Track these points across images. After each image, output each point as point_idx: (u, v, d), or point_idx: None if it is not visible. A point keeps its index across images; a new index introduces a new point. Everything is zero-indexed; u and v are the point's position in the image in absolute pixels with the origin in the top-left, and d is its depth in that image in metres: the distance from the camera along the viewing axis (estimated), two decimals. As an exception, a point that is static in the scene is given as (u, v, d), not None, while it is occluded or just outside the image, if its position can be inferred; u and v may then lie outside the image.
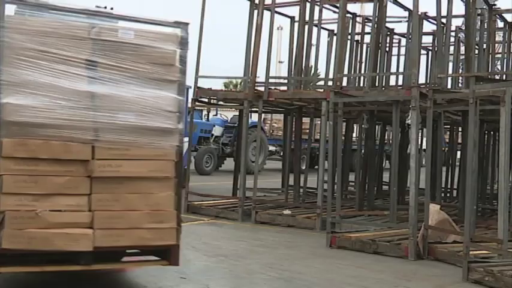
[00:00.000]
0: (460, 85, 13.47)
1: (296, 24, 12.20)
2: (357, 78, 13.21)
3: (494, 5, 12.29)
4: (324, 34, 13.31)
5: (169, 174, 5.37)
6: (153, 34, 5.40)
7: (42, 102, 4.95)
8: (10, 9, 5.13)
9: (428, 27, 12.94)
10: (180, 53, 5.45)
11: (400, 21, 13.29)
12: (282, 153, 17.38)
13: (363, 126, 11.61)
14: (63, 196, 5.00)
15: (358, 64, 14.07)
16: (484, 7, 11.96)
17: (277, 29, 29.08)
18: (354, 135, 15.90)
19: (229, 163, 19.93)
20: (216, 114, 23.43)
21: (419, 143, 10.03)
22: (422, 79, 12.54)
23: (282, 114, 15.30)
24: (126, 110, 5.23)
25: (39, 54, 4.98)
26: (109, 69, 5.19)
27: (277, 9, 11.84)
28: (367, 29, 13.06)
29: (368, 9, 13.77)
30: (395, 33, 14.09)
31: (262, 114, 13.50)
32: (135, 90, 5.26)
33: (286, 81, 12.94)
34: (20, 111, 4.88)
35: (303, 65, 11.74)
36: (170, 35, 5.48)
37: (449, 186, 13.97)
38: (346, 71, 12.03)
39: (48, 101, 4.97)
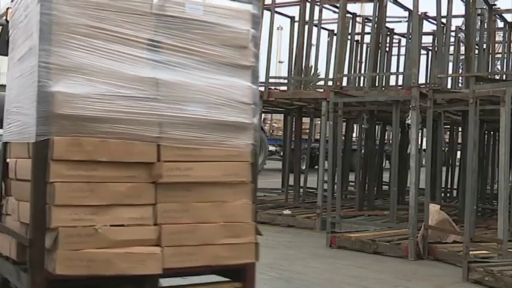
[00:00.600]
0: (460, 85, 13.48)
1: (296, 24, 12.20)
2: (357, 78, 13.21)
3: (494, 5, 12.30)
4: (324, 34, 13.34)
5: (245, 178, 4.47)
6: (223, 10, 4.49)
7: (100, 90, 4.01)
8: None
9: (428, 27, 12.96)
10: (253, 33, 4.56)
11: (400, 21, 13.31)
12: (282, 153, 17.39)
13: (363, 126, 11.61)
14: (125, 207, 4.09)
15: (358, 64, 14.08)
16: (484, 7, 11.96)
17: (277, 29, 29.13)
18: (354, 135, 15.91)
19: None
20: (216, 114, 23.41)
21: (419, 143, 10.03)
22: (422, 79, 12.56)
23: (282, 114, 15.30)
24: (196, 101, 4.32)
25: (94, 32, 4.03)
26: (175, 52, 4.27)
27: (277, 9, 11.85)
28: (367, 29, 13.06)
29: (368, 9, 13.81)
30: (395, 33, 14.10)
31: (262, 114, 13.50)
32: (205, 78, 4.37)
33: (286, 81, 12.95)
34: (73, 102, 3.92)
35: (303, 65, 11.75)
36: (242, 12, 4.56)
37: (449, 186, 13.97)
38: (346, 71, 12.04)
39: (107, 90, 4.04)
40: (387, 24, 12.25)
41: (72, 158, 3.91)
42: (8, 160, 4.70)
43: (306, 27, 11.60)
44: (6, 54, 5.45)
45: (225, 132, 4.43)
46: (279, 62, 39.36)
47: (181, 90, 4.27)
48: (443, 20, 10.34)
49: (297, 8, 11.82)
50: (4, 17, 6.13)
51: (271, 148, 24.77)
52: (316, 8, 11.89)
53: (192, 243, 4.24)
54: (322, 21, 12.54)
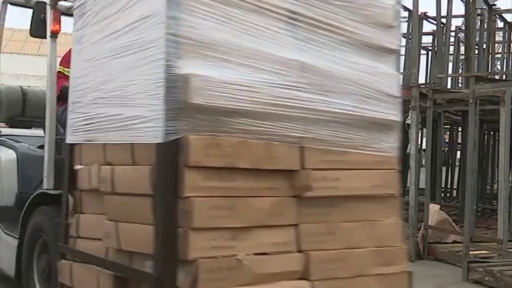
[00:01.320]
0: (460, 85, 13.49)
1: (296, 24, 12.16)
2: (357, 78, 13.18)
3: (494, 5, 12.31)
4: (324, 34, 13.31)
5: (394, 190, 3.56)
6: None
7: (241, 75, 3.00)
8: None
9: (428, 27, 12.95)
10: (398, 10, 3.71)
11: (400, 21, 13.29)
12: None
13: (363, 126, 11.59)
14: (266, 229, 3.06)
15: (358, 64, 14.06)
16: (484, 7, 11.97)
17: (277, 29, 29.02)
18: (354, 135, 15.89)
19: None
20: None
21: (419, 143, 10.02)
22: (422, 79, 12.55)
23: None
24: (341, 91, 3.36)
25: None
26: (316, 28, 3.30)
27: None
28: (367, 29, 13.05)
29: (368, 9, 13.77)
30: (395, 33, 14.08)
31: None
32: (349, 62, 3.42)
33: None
34: (211, 90, 2.88)
35: (303, 65, 11.71)
36: None
37: (449, 186, 13.97)
38: (346, 71, 12.02)
39: (248, 75, 3.03)
40: (387, 24, 12.24)
41: (210, 163, 2.88)
42: (77, 167, 3.75)
43: (306, 27, 11.58)
44: (45, 37, 4.89)
45: (372, 132, 3.50)
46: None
47: (326, 77, 3.32)
48: (443, 20, 10.35)
49: (297, 8, 11.79)
50: None
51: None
52: (317, 8, 11.86)
53: (344, 274, 3.31)
54: (322, 21, 12.51)
